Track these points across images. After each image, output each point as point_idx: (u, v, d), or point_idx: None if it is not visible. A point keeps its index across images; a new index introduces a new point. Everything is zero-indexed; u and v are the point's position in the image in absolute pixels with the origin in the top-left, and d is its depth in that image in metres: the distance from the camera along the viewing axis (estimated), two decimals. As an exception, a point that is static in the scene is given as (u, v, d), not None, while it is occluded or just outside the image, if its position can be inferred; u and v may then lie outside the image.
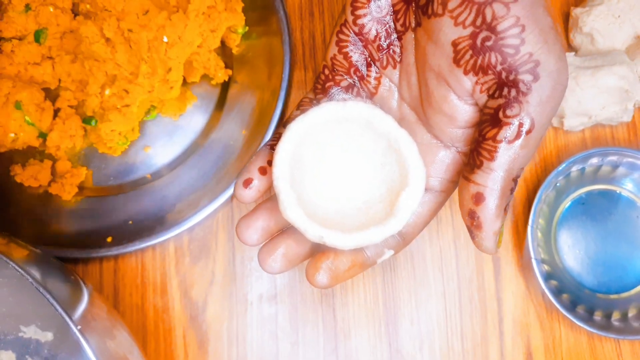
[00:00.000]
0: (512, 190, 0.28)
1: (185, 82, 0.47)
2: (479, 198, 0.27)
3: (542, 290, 0.43)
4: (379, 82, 0.32)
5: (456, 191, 0.30)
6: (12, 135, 0.45)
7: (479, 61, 0.27)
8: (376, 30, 0.31)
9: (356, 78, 0.32)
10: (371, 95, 0.32)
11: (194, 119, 0.48)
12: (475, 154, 0.28)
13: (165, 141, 0.48)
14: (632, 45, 0.46)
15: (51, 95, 0.47)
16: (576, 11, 0.47)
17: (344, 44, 0.32)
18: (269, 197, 0.33)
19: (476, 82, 0.28)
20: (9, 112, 0.44)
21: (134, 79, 0.44)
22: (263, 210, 0.32)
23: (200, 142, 0.48)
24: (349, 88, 0.32)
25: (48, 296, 0.33)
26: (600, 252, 0.46)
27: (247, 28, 0.48)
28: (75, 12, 0.47)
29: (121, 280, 0.46)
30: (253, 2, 0.48)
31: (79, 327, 0.33)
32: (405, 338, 0.46)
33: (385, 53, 0.32)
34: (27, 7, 0.46)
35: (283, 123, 0.33)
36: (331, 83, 0.33)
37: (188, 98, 0.48)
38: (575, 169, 0.46)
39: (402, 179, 0.30)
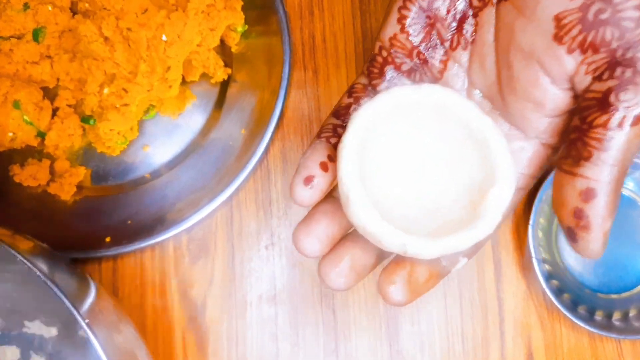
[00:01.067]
0: (622, 183, 0.24)
1: (184, 81, 0.47)
2: (589, 194, 0.24)
3: (543, 290, 0.43)
4: (445, 66, 0.28)
5: None
6: (11, 134, 0.45)
7: (590, 37, 0.24)
8: (447, 5, 0.28)
9: (419, 61, 0.28)
10: (435, 81, 0.29)
11: (193, 118, 0.48)
12: (580, 144, 0.24)
13: (164, 140, 0.48)
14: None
15: (50, 94, 0.47)
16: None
17: (407, 21, 0.28)
18: (326, 199, 0.29)
19: (582, 62, 0.24)
20: (8, 111, 0.44)
21: (133, 77, 0.44)
22: (323, 214, 0.28)
23: (199, 141, 0.48)
24: (410, 72, 0.29)
25: (56, 289, 0.33)
26: (602, 251, 0.46)
27: (246, 27, 0.48)
28: (73, 11, 0.47)
29: (120, 280, 0.46)
30: (252, 1, 0.47)
31: (86, 320, 0.33)
32: (406, 339, 0.46)
33: (456, 32, 0.28)
34: (26, 6, 0.46)
35: (333, 112, 0.30)
36: (390, 66, 0.29)
37: (187, 97, 0.48)
38: (576, 168, 0.46)
39: (487, 176, 0.26)
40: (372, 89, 0.29)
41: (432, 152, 0.28)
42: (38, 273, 0.33)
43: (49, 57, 0.47)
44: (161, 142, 0.48)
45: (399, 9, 0.28)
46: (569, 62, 0.25)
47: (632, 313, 0.45)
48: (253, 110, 0.47)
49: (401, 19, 0.28)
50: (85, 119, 0.46)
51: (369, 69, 0.29)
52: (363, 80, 0.30)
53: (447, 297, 0.46)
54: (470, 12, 0.28)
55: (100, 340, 0.33)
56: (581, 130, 0.24)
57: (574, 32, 0.24)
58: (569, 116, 0.27)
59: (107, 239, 0.45)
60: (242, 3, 0.47)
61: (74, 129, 0.46)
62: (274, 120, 0.46)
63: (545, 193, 0.45)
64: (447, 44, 0.28)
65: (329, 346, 0.46)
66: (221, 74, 0.48)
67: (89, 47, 0.44)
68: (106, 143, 0.46)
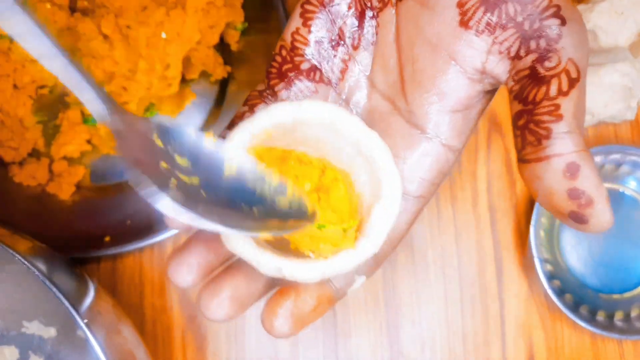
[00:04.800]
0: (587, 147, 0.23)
1: (183, 79, 0.47)
2: (573, 168, 0.22)
3: (544, 291, 0.43)
4: (347, 66, 0.28)
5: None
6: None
7: (495, 17, 0.24)
8: (348, 2, 0.27)
9: (320, 60, 0.28)
10: (337, 81, 0.28)
11: (193, 117, 0.48)
12: (532, 126, 0.23)
13: (164, 139, 0.48)
14: (636, 42, 0.46)
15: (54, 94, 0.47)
16: (579, 8, 0.47)
17: (311, 15, 0.28)
18: None
19: (493, 42, 0.24)
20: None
21: (132, 76, 0.44)
22: (198, 242, 0.26)
23: (199, 140, 0.48)
24: (310, 72, 0.28)
25: (54, 289, 0.33)
26: (603, 251, 0.46)
27: (246, 24, 0.48)
28: (72, 9, 0.47)
29: (119, 280, 0.46)
30: (252, -2, 0.47)
31: (85, 320, 0.33)
32: (407, 339, 0.46)
33: (358, 31, 0.28)
34: (25, 4, 0.46)
35: (229, 125, 0.28)
36: (289, 65, 0.28)
37: (186, 95, 0.48)
38: (578, 167, 0.45)
39: (373, 192, 0.26)
40: (270, 92, 0.28)
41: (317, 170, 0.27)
42: (37, 273, 0.33)
43: (48, 55, 0.47)
44: (160, 141, 0.48)
45: (302, 4, 0.28)
46: (479, 45, 0.25)
47: (634, 313, 0.44)
48: (253, 109, 0.47)
49: (304, 13, 0.28)
50: (86, 120, 0.46)
51: (268, 70, 0.29)
52: (261, 86, 0.29)
53: (447, 297, 0.46)
54: (370, 13, 0.27)
55: (99, 340, 0.33)
56: (528, 112, 0.24)
57: (479, 14, 0.24)
58: (468, 116, 0.26)
59: (106, 239, 0.45)
60: (241, 0, 0.47)
61: (80, 143, 0.46)
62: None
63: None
64: (348, 42, 0.28)
65: (328, 346, 0.46)
66: (221, 72, 0.47)
67: (88, 45, 0.44)
68: (109, 143, 0.46)
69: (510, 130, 0.48)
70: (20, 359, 0.40)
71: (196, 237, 0.27)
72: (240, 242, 0.24)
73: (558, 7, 0.23)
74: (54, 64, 0.24)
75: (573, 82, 0.23)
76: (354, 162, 0.26)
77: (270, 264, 0.24)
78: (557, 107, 0.23)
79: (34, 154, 0.47)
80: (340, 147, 0.26)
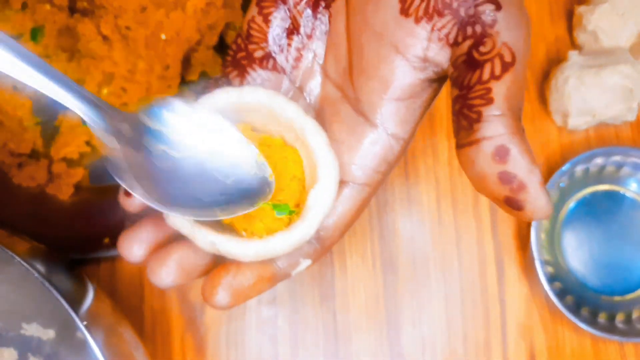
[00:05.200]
0: (524, 132, 0.23)
1: (183, 80, 0.47)
2: (502, 152, 0.22)
3: (545, 292, 0.43)
4: (301, 55, 0.28)
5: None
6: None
7: (432, 3, 0.24)
8: None
9: (275, 48, 0.28)
10: (291, 70, 0.28)
11: (193, 118, 0.48)
12: (465, 110, 0.24)
13: (163, 140, 0.48)
14: (637, 43, 0.46)
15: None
16: (580, 9, 0.47)
17: (267, 3, 0.28)
18: None
19: (432, 29, 0.25)
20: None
21: (132, 76, 0.44)
22: (149, 220, 0.27)
23: (198, 141, 0.48)
24: (263, 60, 0.28)
25: (53, 291, 0.33)
26: (605, 253, 0.46)
27: (246, 25, 0.48)
28: (72, 10, 0.47)
29: (118, 282, 0.46)
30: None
31: (84, 322, 0.33)
32: (407, 341, 0.46)
33: (311, 20, 0.28)
34: (24, 5, 0.46)
35: None
36: (243, 54, 0.28)
37: (186, 96, 0.48)
38: (579, 169, 0.45)
39: (311, 176, 0.26)
40: (226, 81, 0.29)
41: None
42: (36, 274, 0.33)
43: (47, 56, 0.46)
44: (160, 141, 0.48)
45: None
46: (419, 33, 0.25)
47: (635, 315, 0.44)
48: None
49: (260, 2, 0.28)
50: (85, 121, 0.46)
51: (225, 59, 0.29)
52: (217, 75, 0.30)
53: (448, 299, 0.46)
54: (323, 4, 0.28)
55: (98, 342, 0.33)
56: (462, 97, 0.24)
57: (417, 1, 0.25)
58: (413, 106, 0.27)
59: (106, 240, 0.45)
60: (241, 1, 0.47)
61: (79, 145, 0.46)
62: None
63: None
64: (302, 31, 0.28)
65: (329, 348, 0.45)
66: (220, 73, 0.47)
67: (88, 46, 0.44)
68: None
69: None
70: (18, 361, 0.40)
71: (149, 215, 0.28)
72: (179, 217, 0.25)
73: None
74: (26, 76, 0.24)
75: (507, 66, 0.23)
76: (295, 146, 0.27)
77: (205, 238, 0.25)
78: (489, 90, 0.23)
79: (33, 155, 0.47)
80: (279, 132, 0.27)
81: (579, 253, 0.46)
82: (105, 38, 0.44)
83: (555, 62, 0.48)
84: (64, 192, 0.46)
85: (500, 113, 0.23)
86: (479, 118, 0.23)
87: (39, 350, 0.40)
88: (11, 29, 0.46)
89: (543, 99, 0.48)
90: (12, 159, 0.46)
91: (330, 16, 0.28)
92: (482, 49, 0.23)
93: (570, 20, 0.49)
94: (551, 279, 0.44)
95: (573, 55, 0.46)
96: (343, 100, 0.28)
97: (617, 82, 0.44)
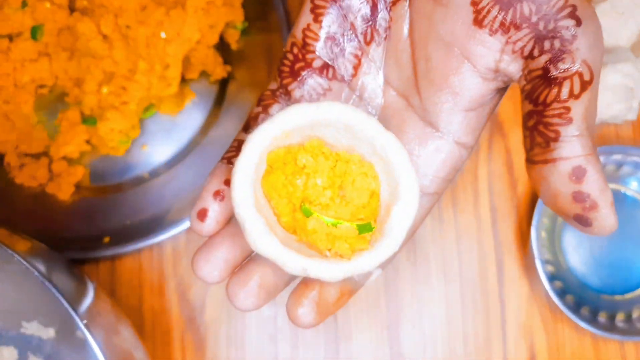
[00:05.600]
0: (597, 150, 0.23)
1: (183, 79, 0.47)
2: (579, 172, 0.22)
3: (545, 292, 0.43)
4: (359, 62, 0.28)
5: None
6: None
7: (509, 16, 0.24)
8: None
9: (333, 56, 0.27)
10: (350, 77, 0.28)
11: (192, 117, 0.48)
12: (541, 127, 0.23)
13: (163, 139, 0.48)
14: (637, 42, 0.46)
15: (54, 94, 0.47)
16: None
17: (322, 10, 0.27)
18: (230, 221, 0.27)
19: (507, 42, 0.24)
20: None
21: (132, 76, 0.44)
22: (224, 238, 0.26)
23: (198, 139, 0.48)
24: (323, 69, 0.28)
25: (54, 290, 0.33)
26: (605, 252, 0.46)
27: (246, 23, 0.48)
28: (72, 9, 0.47)
29: (118, 281, 0.46)
30: (252, -2, 0.47)
31: (84, 321, 0.33)
32: (407, 341, 0.45)
33: (370, 26, 0.27)
34: (24, 4, 0.46)
35: (243, 126, 0.28)
36: (302, 64, 0.27)
37: (186, 95, 0.48)
38: (579, 168, 0.45)
39: (392, 192, 0.26)
40: (284, 91, 0.28)
41: None
42: (36, 273, 0.33)
43: (47, 55, 0.46)
44: (160, 140, 0.48)
45: None
46: (493, 44, 0.24)
47: (635, 314, 0.44)
48: (253, 108, 0.47)
49: (314, 9, 0.27)
50: (86, 120, 0.46)
51: (280, 68, 0.28)
52: (273, 85, 0.28)
53: (448, 298, 0.46)
54: (383, 7, 0.27)
55: (98, 341, 0.33)
56: (538, 113, 0.23)
57: (493, 13, 0.24)
58: (481, 114, 0.26)
59: (106, 240, 0.45)
60: (241, 0, 0.47)
61: (79, 144, 0.46)
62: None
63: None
64: (361, 37, 0.27)
65: (329, 348, 0.45)
66: (220, 72, 0.47)
67: (88, 45, 0.44)
68: (109, 144, 0.46)
69: (511, 131, 0.48)
70: (19, 360, 0.40)
71: (222, 233, 0.27)
72: (265, 242, 0.24)
73: (574, 7, 0.23)
74: None
75: (585, 85, 0.23)
76: (371, 161, 0.27)
77: (296, 264, 0.24)
78: (568, 110, 0.23)
79: (34, 154, 0.47)
80: (358, 147, 0.26)
81: (579, 252, 0.46)
82: (105, 37, 0.44)
83: (555, 61, 0.48)
84: (64, 191, 0.46)
85: (578, 133, 0.23)
86: (556, 137, 0.23)
87: (39, 349, 0.40)
88: (11, 27, 0.46)
89: (543, 98, 0.48)
90: (18, 159, 0.47)
91: (390, 21, 0.27)
92: (561, 65, 0.23)
93: (570, 19, 0.49)
94: (551, 278, 0.43)
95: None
96: (408, 108, 0.27)
97: (617, 81, 0.44)
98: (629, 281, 0.46)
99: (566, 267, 0.46)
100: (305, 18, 0.27)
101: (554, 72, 0.23)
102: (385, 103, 0.28)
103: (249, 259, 0.27)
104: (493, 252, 0.46)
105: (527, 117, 0.24)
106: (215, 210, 0.26)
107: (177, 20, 0.43)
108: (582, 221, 0.23)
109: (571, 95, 0.23)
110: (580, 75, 0.23)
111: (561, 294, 0.43)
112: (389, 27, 0.27)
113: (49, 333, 0.40)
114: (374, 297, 0.46)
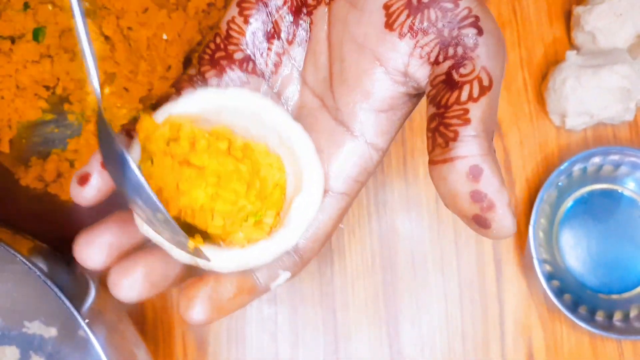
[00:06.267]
0: (495, 153, 0.24)
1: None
2: (476, 171, 0.23)
3: (543, 291, 0.43)
4: (281, 60, 0.28)
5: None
6: None
7: (417, 21, 0.25)
8: None
9: (254, 51, 0.28)
10: (270, 75, 0.28)
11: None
12: (442, 128, 0.24)
13: (165, 140, 0.48)
14: (634, 44, 0.46)
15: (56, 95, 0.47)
16: (578, 10, 0.47)
17: (247, 4, 0.28)
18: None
19: (415, 46, 0.25)
20: None
21: (134, 77, 0.44)
22: (112, 223, 0.25)
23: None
24: (243, 62, 0.28)
25: (55, 289, 0.33)
26: (602, 252, 0.46)
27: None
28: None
29: (120, 281, 0.46)
30: None
31: (86, 320, 0.33)
32: (406, 340, 0.46)
33: (292, 26, 0.28)
34: (26, 6, 0.46)
35: (152, 105, 0.27)
36: (222, 53, 0.27)
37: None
38: (577, 168, 0.46)
39: (296, 182, 0.25)
40: (201, 78, 0.28)
41: None
42: (38, 273, 0.33)
43: (50, 56, 0.47)
44: (161, 141, 0.48)
45: None
46: (402, 48, 0.25)
47: (632, 313, 0.44)
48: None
49: (241, 3, 0.28)
50: (87, 122, 0.46)
51: (201, 55, 0.28)
52: (192, 71, 0.28)
53: (447, 298, 0.46)
54: (305, 10, 0.28)
55: (100, 340, 0.33)
56: (439, 115, 0.24)
57: (402, 17, 0.25)
58: (393, 118, 0.27)
59: (107, 239, 0.45)
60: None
61: (82, 141, 0.46)
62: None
63: (547, 193, 0.44)
64: (283, 36, 0.28)
65: (329, 347, 0.46)
66: (221, 74, 0.48)
67: (90, 46, 0.44)
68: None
69: (509, 131, 0.48)
70: (21, 359, 0.40)
71: (113, 217, 0.26)
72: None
73: (477, 17, 0.24)
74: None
75: (484, 90, 0.24)
76: (278, 152, 0.26)
77: (183, 250, 0.23)
78: (466, 111, 0.23)
79: (37, 153, 0.47)
80: (264, 137, 0.26)
81: (577, 251, 0.46)
82: (107, 38, 0.44)
83: (553, 62, 0.48)
84: (66, 191, 0.46)
85: (475, 134, 0.23)
86: (455, 137, 0.23)
87: (41, 349, 0.40)
88: (13, 29, 0.46)
89: (541, 99, 0.48)
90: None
91: (311, 23, 0.28)
92: (462, 70, 0.24)
93: (568, 20, 0.49)
94: (549, 278, 0.44)
95: (571, 55, 0.46)
96: (322, 108, 0.27)
97: (614, 83, 0.44)
98: (626, 280, 0.46)
99: (564, 266, 0.46)
100: (231, 11, 0.28)
101: (455, 77, 0.24)
102: (301, 102, 0.28)
103: (138, 251, 0.25)
104: (491, 252, 0.47)
105: (430, 120, 0.25)
106: (98, 179, 0.25)
107: (179, 22, 0.43)
108: (480, 222, 0.23)
109: (470, 98, 0.24)
110: (480, 80, 0.24)
111: (559, 293, 0.44)
112: (310, 30, 0.28)
113: (51, 332, 0.40)
114: (373, 298, 0.46)
